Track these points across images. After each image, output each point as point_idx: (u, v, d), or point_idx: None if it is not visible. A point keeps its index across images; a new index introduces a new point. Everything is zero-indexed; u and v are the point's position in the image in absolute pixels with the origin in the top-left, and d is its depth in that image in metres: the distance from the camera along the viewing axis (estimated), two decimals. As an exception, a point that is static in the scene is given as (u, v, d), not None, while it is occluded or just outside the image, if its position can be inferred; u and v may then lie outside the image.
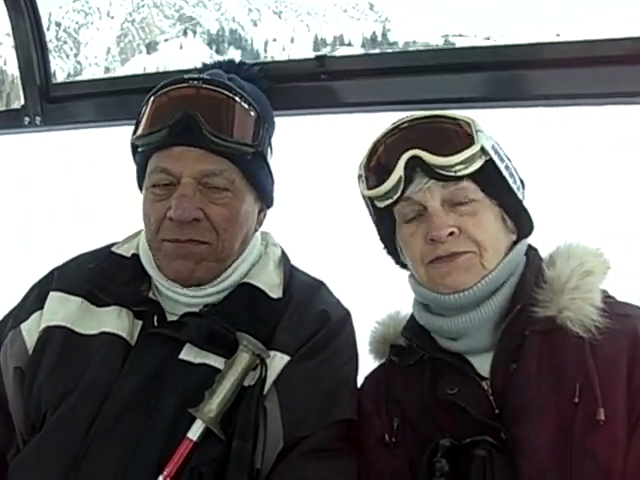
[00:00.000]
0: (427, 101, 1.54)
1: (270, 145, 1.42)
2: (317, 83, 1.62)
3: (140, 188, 1.39)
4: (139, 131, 1.32)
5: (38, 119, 1.90)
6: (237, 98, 1.32)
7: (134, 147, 1.35)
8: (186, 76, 1.34)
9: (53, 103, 1.90)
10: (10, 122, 1.98)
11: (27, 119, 1.91)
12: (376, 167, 1.29)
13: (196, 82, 1.31)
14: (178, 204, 1.25)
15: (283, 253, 1.48)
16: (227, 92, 1.31)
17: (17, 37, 1.90)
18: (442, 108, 1.52)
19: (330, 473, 1.23)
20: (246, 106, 1.33)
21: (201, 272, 1.30)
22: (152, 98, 1.32)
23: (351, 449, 1.29)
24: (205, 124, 1.25)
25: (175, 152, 1.27)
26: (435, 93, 1.53)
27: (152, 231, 1.31)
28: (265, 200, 1.43)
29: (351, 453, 1.29)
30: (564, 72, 1.42)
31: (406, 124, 1.27)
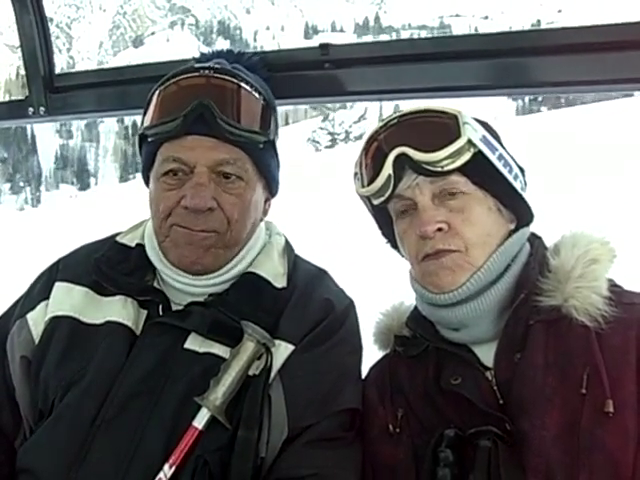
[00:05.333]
0: (432, 89, 1.53)
1: (277, 133, 1.42)
2: (321, 71, 1.61)
3: (145, 178, 1.39)
4: (149, 121, 1.32)
5: (42, 109, 1.90)
6: (248, 87, 1.32)
7: (142, 137, 1.35)
8: (196, 65, 1.34)
9: (57, 93, 1.90)
10: (15, 112, 1.98)
11: (31, 109, 1.91)
12: (368, 165, 1.30)
13: (207, 71, 1.30)
14: (195, 193, 1.25)
15: (287, 242, 1.48)
16: (238, 81, 1.31)
17: (21, 28, 1.90)
18: (446, 96, 1.52)
19: (334, 461, 1.24)
20: (257, 95, 1.33)
21: (208, 259, 1.31)
22: (162, 87, 1.32)
23: (355, 438, 1.30)
24: (220, 113, 1.25)
25: (188, 141, 1.27)
26: (440, 81, 1.52)
27: (161, 218, 1.30)
28: (272, 189, 1.43)
29: (355, 442, 1.30)
30: (568, 58, 1.40)
31: (394, 121, 1.27)
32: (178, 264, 1.32)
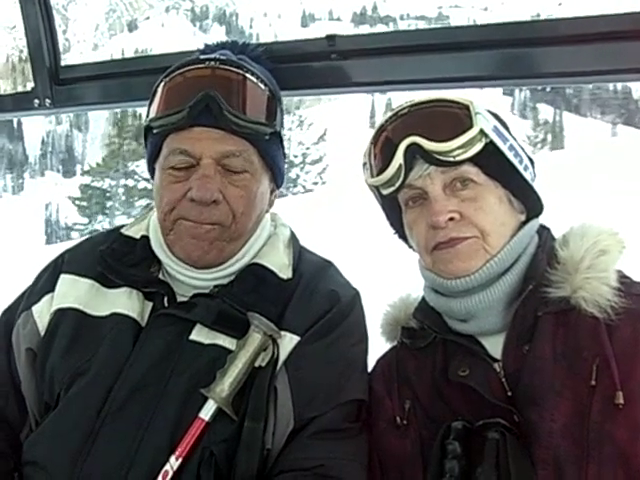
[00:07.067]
0: (439, 80, 1.52)
1: (282, 125, 1.41)
2: (327, 62, 1.60)
3: (150, 170, 1.39)
4: (155, 112, 1.31)
5: (48, 101, 1.90)
6: (254, 79, 1.31)
7: (148, 128, 1.34)
8: (202, 56, 1.34)
9: (62, 85, 1.90)
10: (20, 104, 1.98)
11: (37, 101, 1.91)
12: (378, 155, 1.29)
13: (212, 62, 1.30)
14: (201, 185, 1.25)
15: (292, 233, 1.47)
16: (244, 72, 1.31)
17: (26, 20, 1.90)
18: (454, 87, 1.51)
19: (341, 453, 1.23)
20: (262, 86, 1.32)
21: (213, 253, 1.30)
22: (167, 79, 1.32)
23: (362, 429, 1.29)
24: (226, 105, 1.25)
25: (194, 133, 1.27)
26: (446, 72, 1.51)
27: (166, 211, 1.30)
28: (278, 181, 1.42)
29: (362, 433, 1.29)
30: (570, 49, 1.39)
31: (405, 110, 1.26)
32: (184, 258, 1.32)
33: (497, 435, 1.10)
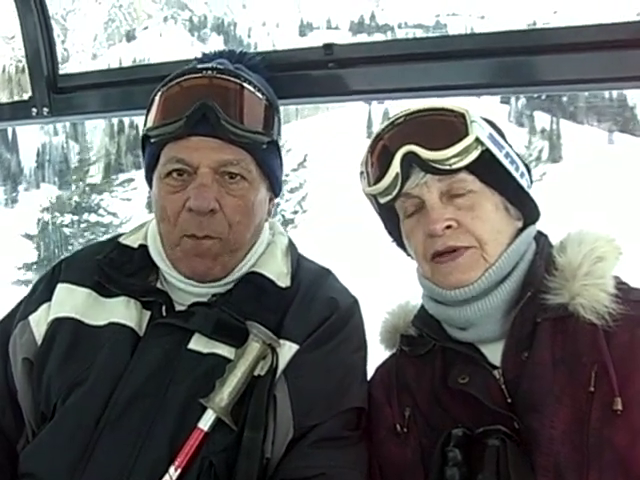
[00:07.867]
0: (436, 88, 1.53)
1: (280, 133, 1.41)
2: (325, 71, 1.61)
3: (148, 180, 1.38)
4: (152, 122, 1.31)
5: (45, 110, 1.90)
6: (251, 88, 1.31)
7: (145, 138, 1.34)
8: (199, 66, 1.34)
9: (60, 94, 1.90)
10: (18, 113, 1.98)
11: (35, 110, 1.91)
12: (374, 164, 1.30)
13: (210, 72, 1.30)
14: (198, 193, 1.25)
15: (290, 241, 1.47)
16: (241, 82, 1.31)
17: (24, 28, 1.91)
18: (451, 95, 1.52)
19: (341, 461, 1.23)
20: (260, 95, 1.33)
21: (218, 269, 1.31)
22: (165, 88, 1.32)
23: (361, 437, 1.29)
24: (223, 114, 1.25)
25: (192, 142, 1.27)
26: (444, 80, 1.52)
27: (170, 224, 1.29)
28: (275, 190, 1.42)
29: (362, 441, 1.29)
30: (569, 57, 1.41)
31: (401, 119, 1.27)
32: (189, 275, 1.32)
33: (497, 442, 1.10)
